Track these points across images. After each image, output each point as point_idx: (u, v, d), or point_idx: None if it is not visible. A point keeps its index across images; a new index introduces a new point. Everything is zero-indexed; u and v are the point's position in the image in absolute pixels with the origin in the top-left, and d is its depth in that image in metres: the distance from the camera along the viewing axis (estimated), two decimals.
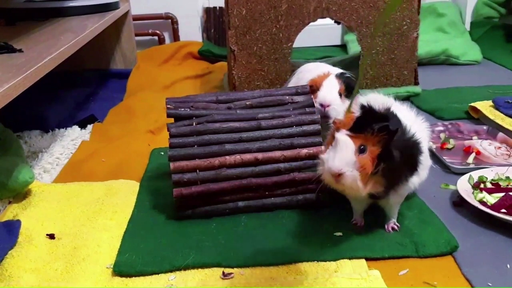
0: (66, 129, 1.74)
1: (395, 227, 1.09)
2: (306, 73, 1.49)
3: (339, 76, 1.38)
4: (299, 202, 1.19)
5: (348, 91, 1.37)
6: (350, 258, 1.01)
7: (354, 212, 1.13)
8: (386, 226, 1.10)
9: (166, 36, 2.85)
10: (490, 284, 0.93)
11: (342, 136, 0.94)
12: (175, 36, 2.83)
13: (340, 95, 1.35)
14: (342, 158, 0.93)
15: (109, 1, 2.14)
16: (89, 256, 1.04)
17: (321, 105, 1.32)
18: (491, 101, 1.72)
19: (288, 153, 1.17)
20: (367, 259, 1.01)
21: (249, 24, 1.84)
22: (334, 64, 2.25)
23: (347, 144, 0.94)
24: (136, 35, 2.58)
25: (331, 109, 1.32)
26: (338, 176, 0.93)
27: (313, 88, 1.35)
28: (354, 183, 0.93)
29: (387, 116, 0.97)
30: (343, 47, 2.83)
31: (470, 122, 1.69)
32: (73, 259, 1.03)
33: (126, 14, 2.36)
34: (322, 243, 1.05)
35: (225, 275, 0.98)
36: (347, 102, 1.32)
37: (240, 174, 1.16)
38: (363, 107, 0.96)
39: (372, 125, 0.94)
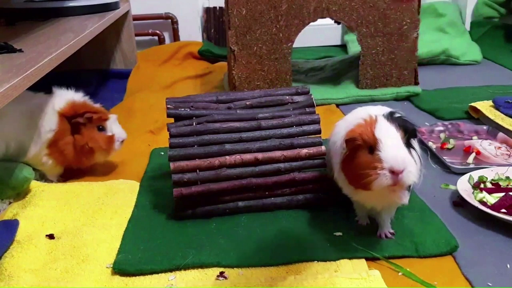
0: None
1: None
2: (342, 122, 1.12)
3: (392, 118, 0.98)
4: (299, 202, 1.19)
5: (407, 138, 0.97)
6: (350, 258, 1.01)
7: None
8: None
9: (166, 36, 2.85)
10: (490, 284, 0.93)
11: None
12: (175, 36, 2.83)
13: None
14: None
15: (109, 1, 2.14)
16: (89, 256, 1.04)
17: (392, 171, 0.90)
18: (491, 101, 1.72)
19: (288, 153, 1.17)
20: (367, 259, 1.01)
21: (249, 24, 1.84)
22: (333, 64, 2.27)
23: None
24: (136, 35, 2.58)
25: (406, 174, 0.91)
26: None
27: (357, 142, 0.95)
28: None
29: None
30: (343, 47, 2.83)
31: (470, 122, 1.69)
32: (73, 259, 1.03)
33: (126, 14, 2.35)
34: (322, 243, 1.05)
35: (219, 276, 0.98)
36: (415, 155, 0.98)
37: (240, 174, 1.16)
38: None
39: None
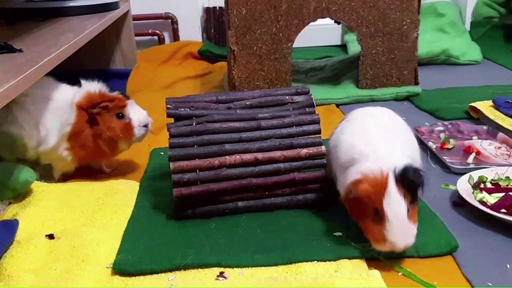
0: None
1: None
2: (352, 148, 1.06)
3: (403, 180, 0.96)
4: (299, 202, 1.19)
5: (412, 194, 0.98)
6: (350, 258, 1.01)
7: None
8: None
9: (166, 36, 2.85)
10: (490, 284, 0.93)
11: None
12: (175, 36, 2.83)
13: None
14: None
15: (109, 1, 2.14)
16: (89, 256, 1.04)
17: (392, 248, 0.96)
18: (491, 101, 1.72)
19: (288, 153, 1.17)
20: (367, 259, 1.01)
21: (249, 24, 1.84)
22: (333, 64, 2.27)
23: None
24: (136, 35, 2.58)
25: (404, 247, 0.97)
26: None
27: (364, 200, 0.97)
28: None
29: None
30: (343, 47, 2.83)
31: (470, 122, 1.69)
32: (72, 259, 1.03)
33: (126, 14, 2.35)
34: (322, 243, 1.05)
35: (219, 276, 0.98)
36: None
37: (240, 174, 1.16)
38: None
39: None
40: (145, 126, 1.36)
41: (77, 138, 1.33)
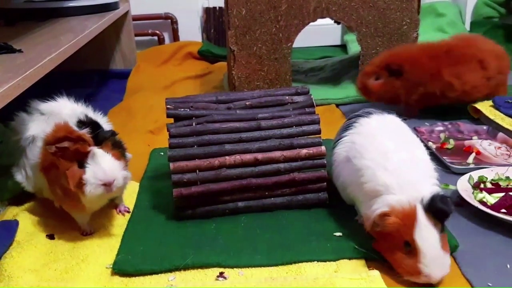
0: None
1: None
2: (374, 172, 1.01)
3: (432, 210, 0.93)
4: (299, 202, 1.19)
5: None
6: (350, 258, 1.01)
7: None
8: None
9: (166, 36, 2.85)
10: (490, 284, 0.93)
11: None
12: (175, 36, 2.84)
13: None
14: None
15: (109, 1, 2.14)
16: (89, 256, 1.04)
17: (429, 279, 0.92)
18: (491, 101, 1.72)
19: (288, 153, 1.17)
20: (366, 259, 1.01)
21: (249, 24, 1.84)
22: (333, 64, 2.27)
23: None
24: (136, 35, 2.58)
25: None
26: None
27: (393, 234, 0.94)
28: None
29: None
30: (343, 47, 2.83)
31: (470, 122, 1.69)
32: (72, 259, 1.04)
33: (126, 14, 2.36)
34: (322, 243, 1.05)
35: (219, 276, 0.98)
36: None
37: (240, 174, 1.16)
38: None
39: None
40: (105, 185, 1.03)
41: (49, 177, 1.09)
